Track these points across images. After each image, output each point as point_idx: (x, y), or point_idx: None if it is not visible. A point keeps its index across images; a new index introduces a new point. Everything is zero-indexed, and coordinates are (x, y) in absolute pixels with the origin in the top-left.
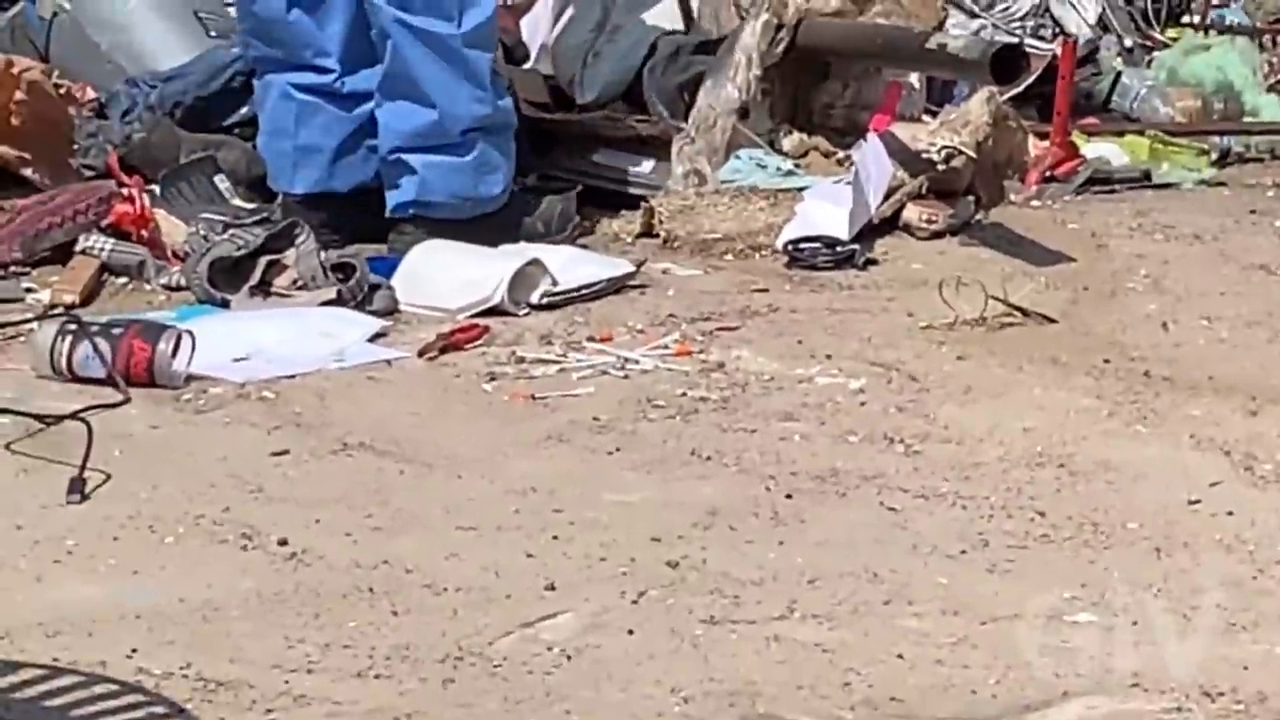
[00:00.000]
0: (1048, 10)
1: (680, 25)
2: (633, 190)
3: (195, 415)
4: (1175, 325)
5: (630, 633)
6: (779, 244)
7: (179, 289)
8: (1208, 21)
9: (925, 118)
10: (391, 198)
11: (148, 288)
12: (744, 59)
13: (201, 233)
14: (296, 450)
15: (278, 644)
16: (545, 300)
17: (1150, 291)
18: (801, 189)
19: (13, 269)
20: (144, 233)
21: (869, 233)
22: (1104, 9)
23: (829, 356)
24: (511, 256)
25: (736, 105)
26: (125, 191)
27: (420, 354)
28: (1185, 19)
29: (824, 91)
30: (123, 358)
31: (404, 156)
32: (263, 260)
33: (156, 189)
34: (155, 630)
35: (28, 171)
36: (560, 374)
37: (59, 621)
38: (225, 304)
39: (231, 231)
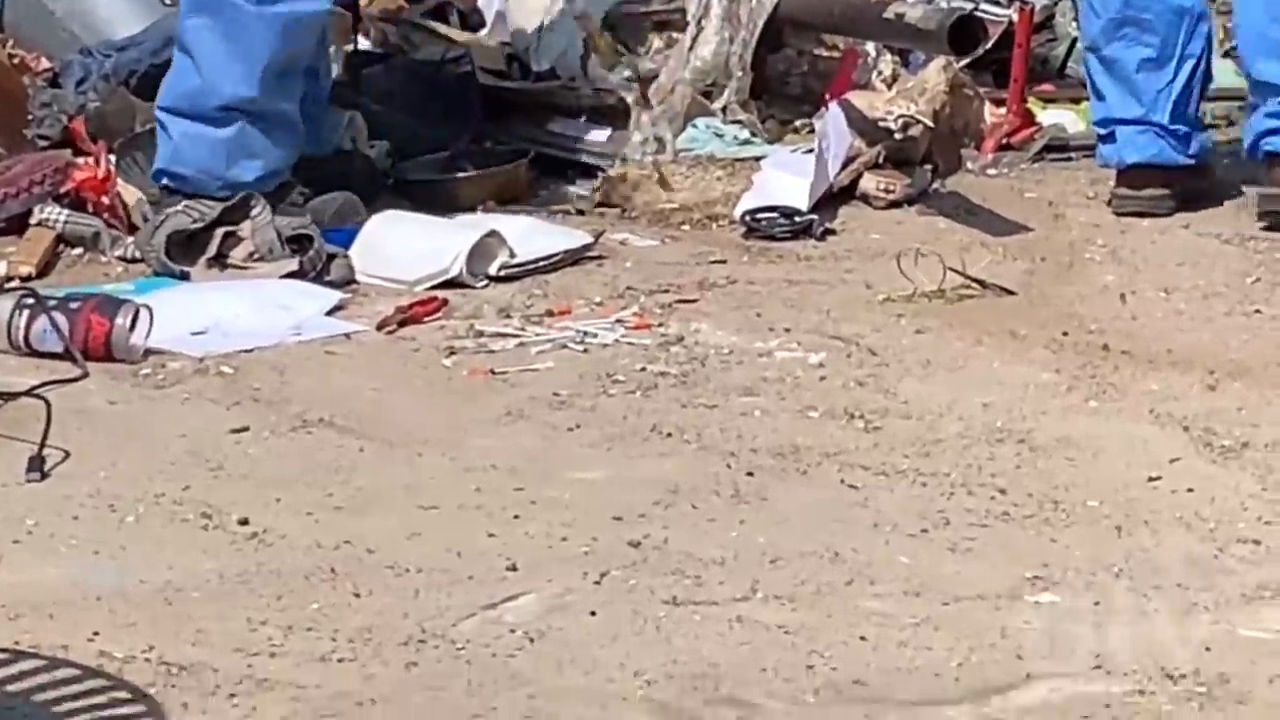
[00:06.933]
0: None
1: None
2: (588, 159)
3: (154, 390)
4: (1133, 297)
5: (593, 614)
6: (736, 214)
7: (135, 260)
8: None
9: (879, 85)
10: (155, 161)
11: (104, 259)
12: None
13: (149, 202)
14: (256, 427)
15: (240, 626)
16: (503, 272)
17: (1108, 262)
18: (759, 158)
19: None
20: (104, 199)
21: (826, 203)
22: None
23: (788, 330)
24: (469, 227)
25: (695, 73)
26: (84, 160)
27: (379, 327)
28: None
29: (780, 60)
30: (80, 332)
31: (165, 118)
32: (219, 232)
33: (112, 159)
34: (117, 612)
35: None
36: (519, 348)
37: (20, 603)
38: (184, 276)
39: (186, 204)
